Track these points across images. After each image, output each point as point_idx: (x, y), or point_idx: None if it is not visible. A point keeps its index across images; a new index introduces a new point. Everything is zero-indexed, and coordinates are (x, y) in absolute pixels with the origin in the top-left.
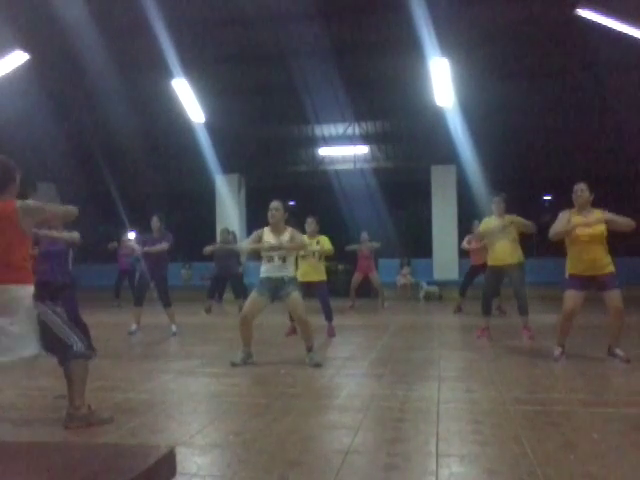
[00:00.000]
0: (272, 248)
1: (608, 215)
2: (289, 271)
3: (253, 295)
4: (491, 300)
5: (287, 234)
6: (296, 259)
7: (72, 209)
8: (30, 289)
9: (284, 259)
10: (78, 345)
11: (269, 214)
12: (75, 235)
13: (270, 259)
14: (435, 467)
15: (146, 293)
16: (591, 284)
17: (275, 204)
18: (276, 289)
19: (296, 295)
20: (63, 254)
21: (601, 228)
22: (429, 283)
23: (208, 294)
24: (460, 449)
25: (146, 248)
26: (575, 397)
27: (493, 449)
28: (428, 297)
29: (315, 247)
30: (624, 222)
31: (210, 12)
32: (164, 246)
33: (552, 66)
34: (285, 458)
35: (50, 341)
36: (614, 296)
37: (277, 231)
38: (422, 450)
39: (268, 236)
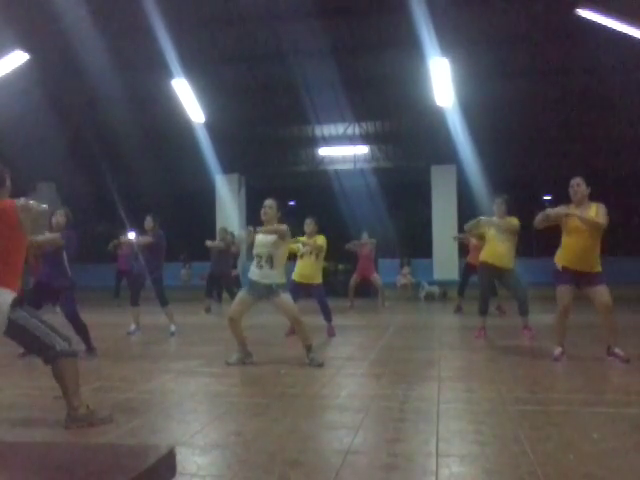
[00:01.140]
0: (260, 232)
1: (597, 216)
2: (277, 278)
3: (240, 295)
4: (488, 300)
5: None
6: (295, 258)
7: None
8: (9, 295)
9: (271, 263)
10: (61, 344)
11: (262, 211)
12: (52, 237)
13: (259, 264)
14: (435, 467)
15: (141, 292)
16: (580, 280)
17: (268, 202)
18: (265, 293)
19: (284, 297)
20: (57, 256)
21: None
22: (430, 283)
23: (205, 293)
24: (460, 449)
25: (136, 239)
26: (575, 397)
27: (493, 449)
28: (429, 297)
29: (313, 242)
30: (591, 222)
31: (210, 12)
32: (147, 239)
33: (552, 66)
34: (285, 458)
35: (32, 344)
36: (602, 291)
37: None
38: (422, 450)
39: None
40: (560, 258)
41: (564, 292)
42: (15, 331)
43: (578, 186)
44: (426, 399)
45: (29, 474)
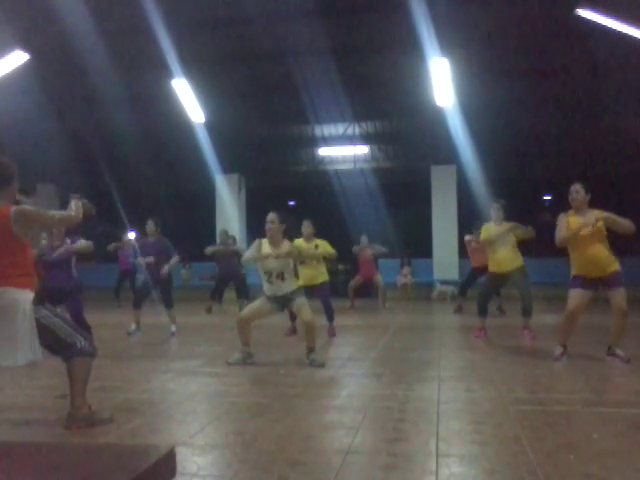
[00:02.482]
0: (270, 256)
1: (609, 215)
2: (291, 286)
3: (259, 302)
4: (487, 302)
5: (285, 247)
6: (295, 267)
7: (71, 216)
8: (29, 295)
9: (282, 277)
10: (82, 342)
11: (266, 227)
12: (84, 244)
13: (270, 280)
14: (435, 467)
15: (146, 297)
16: (597, 284)
17: (271, 216)
18: (283, 303)
19: (301, 302)
20: (66, 260)
21: (598, 224)
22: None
23: (211, 295)
24: (460, 449)
25: (166, 267)
26: (575, 397)
27: (493, 449)
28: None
29: (313, 251)
30: (625, 224)
31: (210, 12)
32: (176, 259)
33: (552, 66)
34: (285, 458)
35: (53, 342)
36: (618, 296)
37: (275, 243)
38: (422, 450)
39: (266, 248)
40: (575, 270)
41: (575, 295)
42: (38, 330)
43: (577, 193)
44: (426, 399)
45: (29, 474)
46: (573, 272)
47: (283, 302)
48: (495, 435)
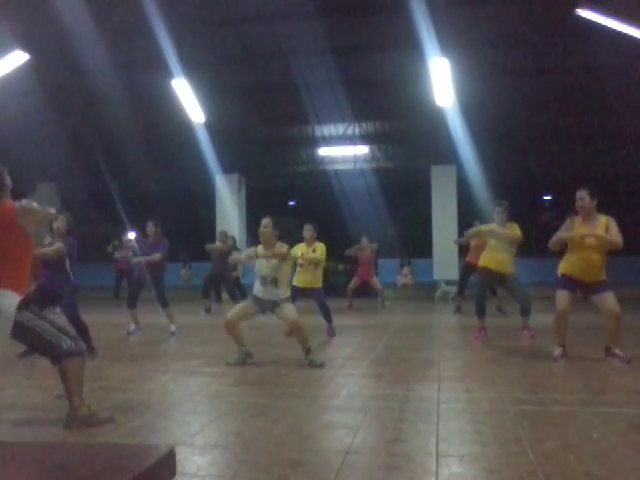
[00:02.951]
0: (259, 256)
1: (609, 232)
2: (282, 294)
3: (245, 304)
4: (485, 303)
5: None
6: (295, 266)
7: (51, 213)
8: (15, 299)
9: (276, 283)
10: (68, 343)
11: (259, 232)
12: (56, 247)
13: (263, 282)
14: (435, 467)
15: (139, 295)
16: (583, 288)
17: (264, 221)
18: (270, 306)
19: (287, 306)
20: (60, 262)
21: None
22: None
23: (203, 294)
24: (460, 449)
25: (139, 258)
26: (575, 397)
27: (493, 449)
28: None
29: (312, 255)
30: (616, 244)
31: (210, 12)
32: (155, 257)
33: (552, 66)
34: (285, 458)
35: (38, 344)
36: (609, 299)
37: (269, 247)
38: (422, 450)
39: (261, 254)
40: (564, 267)
41: (562, 297)
42: (22, 332)
43: (582, 200)
44: (426, 399)
45: (29, 474)
46: (561, 270)
47: (269, 305)
48: (495, 435)
